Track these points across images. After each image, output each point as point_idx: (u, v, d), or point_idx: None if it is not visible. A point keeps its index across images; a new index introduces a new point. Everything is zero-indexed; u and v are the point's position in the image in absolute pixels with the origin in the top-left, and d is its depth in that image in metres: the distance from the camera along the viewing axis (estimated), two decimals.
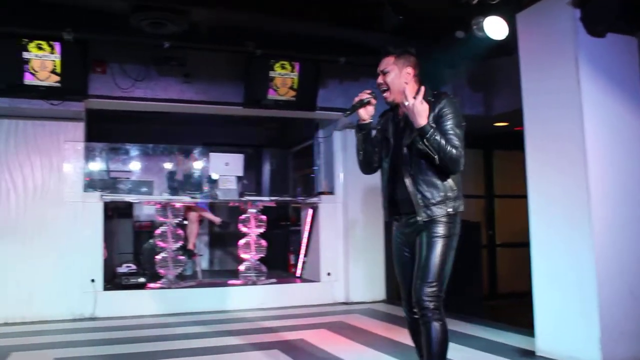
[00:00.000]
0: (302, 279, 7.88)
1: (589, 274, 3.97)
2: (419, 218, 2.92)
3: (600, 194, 4.04)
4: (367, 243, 7.22)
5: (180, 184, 7.88)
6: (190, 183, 7.99)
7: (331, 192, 7.67)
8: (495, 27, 4.99)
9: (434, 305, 2.82)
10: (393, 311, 6.32)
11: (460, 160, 2.88)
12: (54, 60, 5.87)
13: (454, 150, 2.85)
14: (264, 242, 7.33)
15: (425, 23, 5.66)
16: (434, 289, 2.83)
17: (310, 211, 7.85)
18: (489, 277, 8.63)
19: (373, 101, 3.11)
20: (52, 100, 6.14)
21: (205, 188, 7.89)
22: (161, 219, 7.05)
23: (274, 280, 7.33)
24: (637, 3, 4.16)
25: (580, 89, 4.08)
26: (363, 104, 3.10)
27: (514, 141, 6.02)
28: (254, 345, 4.86)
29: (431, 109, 2.91)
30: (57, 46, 5.84)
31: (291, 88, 6.75)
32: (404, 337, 3.09)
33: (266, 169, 10.58)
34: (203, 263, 9.46)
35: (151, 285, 6.77)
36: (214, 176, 7.44)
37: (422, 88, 2.95)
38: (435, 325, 2.81)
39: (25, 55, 5.78)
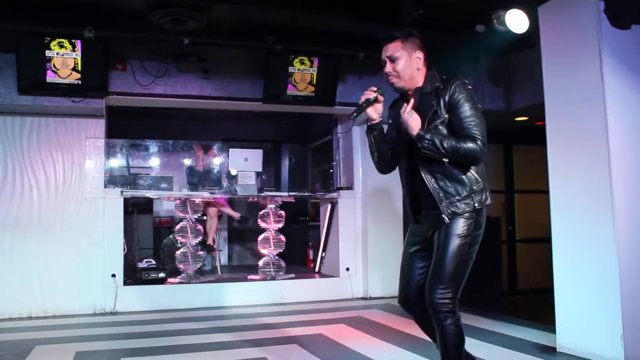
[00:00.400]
0: (321, 274, 7.88)
1: (611, 270, 3.92)
2: (443, 216, 2.74)
3: (624, 189, 3.98)
4: (385, 238, 7.20)
5: (199, 179, 7.92)
6: (209, 178, 8.04)
7: (350, 188, 7.67)
8: (516, 21, 4.94)
9: (447, 308, 2.68)
10: None
11: (477, 154, 2.69)
12: (75, 58, 5.93)
13: (466, 145, 2.67)
14: (282, 238, 7.35)
15: (445, 17, 5.60)
16: (447, 292, 2.68)
17: (329, 206, 7.85)
18: (509, 273, 8.56)
19: (380, 98, 2.92)
20: (74, 98, 6.20)
21: (225, 183, 7.92)
22: (181, 215, 7.09)
23: (292, 275, 7.35)
24: None
25: (604, 83, 4.01)
26: (370, 103, 2.90)
27: (535, 136, 5.96)
28: (273, 340, 4.88)
29: (441, 95, 2.78)
30: (79, 44, 5.90)
31: (310, 83, 6.75)
32: (423, 332, 3.07)
33: (285, 164, 10.59)
34: (222, 258, 9.50)
35: (171, 280, 6.82)
36: (233, 172, 7.47)
37: (412, 101, 2.81)
38: (450, 327, 2.68)
39: (48, 53, 5.85)
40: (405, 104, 2.84)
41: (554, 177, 4.47)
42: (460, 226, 2.75)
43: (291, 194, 7.68)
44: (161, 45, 6.38)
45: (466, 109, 2.74)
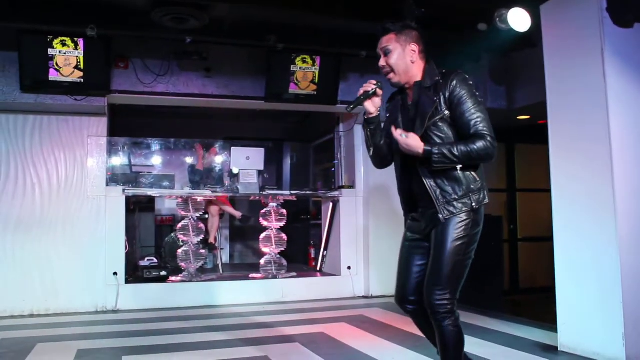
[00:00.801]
0: (323, 273, 7.88)
1: (612, 269, 3.92)
2: (440, 216, 2.69)
3: (625, 189, 3.98)
4: (387, 237, 7.17)
5: (201, 178, 7.92)
6: (211, 177, 8.04)
7: (352, 186, 7.67)
8: (518, 19, 4.94)
9: (445, 309, 2.64)
10: None
11: (489, 151, 2.63)
12: (77, 57, 5.94)
13: (476, 145, 2.61)
14: (284, 236, 7.34)
15: (447, 15, 5.60)
16: (445, 293, 2.64)
17: (330, 205, 7.85)
18: (510, 272, 8.56)
19: (379, 92, 2.86)
20: (76, 96, 6.21)
21: (227, 182, 7.92)
22: (182, 213, 7.09)
23: (294, 274, 7.35)
24: None
25: (606, 82, 4.00)
26: (368, 96, 2.85)
27: (537, 134, 5.96)
28: (274, 339, 4.89)
29: (441, 90, 2.71)
30: (81, 42, 5.91)
31: (312, 82, 6.76)
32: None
33: (287, 163, 10.59)
34: (224, 257, 9.51)
35: (172, 278, 6.83)
36: (235, 170, 7.47)
37: (399, 131, 2.71)
38: (449, 328, 2.66)
39: (50, 51, 5.86)
40: (396, 129, 2.76)
41: (555, 177, 4.47)
42: (457, 226, 2.69)
43: (293, 192, 7.68)
44: (163, 44, 6.39)
45: (469, 106, 2.67)
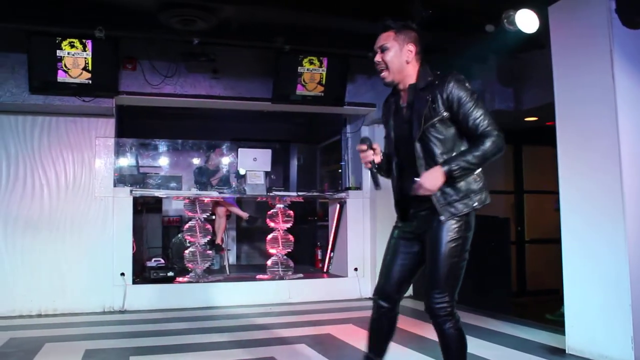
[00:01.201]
0: (329, 274, 7.88)
1: (621, 271, 3.90)
2: (441, 217, 2.66)
3: (635, 191, 3.96)
4: None
5: (208, 178, 7.94)
6: (218, 178, 8.06)
7: (359, 188, 7.66)
8: (526, 20, 4.91)
9: (445, 312, 2.65)
10: (420, 307, 6.25)
11: (498, 145, 2.63)
12: (85, 58, 5.97)
13: (486, 147, 2.60)
14: (291, 237, 7.35)
15: (454, 16, 5.59)
16: (444, 296, 2.64)
17: (337, 206, 7.85)
18: (518, 274, 8.52)
19: (375, 145, 2.84)
20: (84, 97, 6.24)
21: (234, 183, 7.94)
22: (189, 214, 7.11)
23: (301, 275, 7.36)
24: None
25: (615, 84, 3.99)
26: (374, 171, 2.85)
27: (544, 136, 5.93)
28: (281, 340, 4.89)
29: (437, 91, 2.68)
30: (89, 44, 5.94)
31: (319, 83, 6.77)
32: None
33: (294, 164, 10.59)
34: (231, 258, 9.52)
35: (179, 279, 6.85)
36: (242, 171, 7.48)
37: (415, 187, 2.66)
38: (450, 331, 2.67)
39: (59, 53, 5.90)
40: (391, 139, 2.81)
41: (564, 178, 4.45)
42: (451, 229, 2.68)
43: (300, 193, 7.69)
44: (171, 45, 6.41)
45: (470, 107, 2.65)
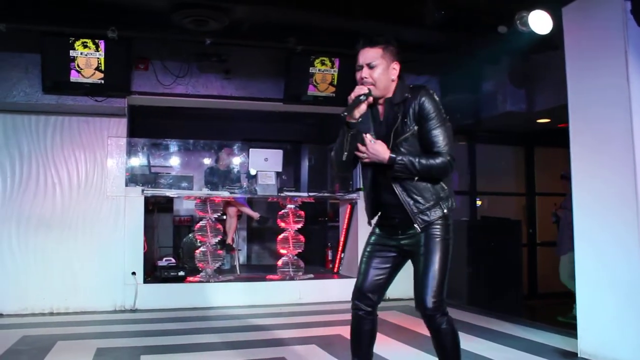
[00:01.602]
0: (340, 275, 7.87)
1: (635, 275, 3.86)
2: (415, 225, 2.78)
3: None
4: None
5: (219, 178, 7.95)
6: (229, 178, 8.07)
7: None
8: (539, 21, 4.88)
9: (439, 312, 2.75)
10: None
11: (445, 168, 2.73)
12: (98, 58, 6.00)
13: (435, 161, 2.70)
14: (302, 238, 7.35)
15: (466, 17, 5.57)
16: (439, 297, 2.73)
17: (348, 207, 7.84)
18: (529, 277, 8.48)
19: (370, 99, 2.81)
20: (96, 97, 6.28)
21: (245, 183, 7.95)
22: (200, 214, 7.13)
23: (311, 275, 7.35)
24: None
25: (630, 85, 3.94)
26: (360, 101, 2.78)
27: (556, 138, 5.89)
28: (292, 340, 4.89)
29: (409, 105, 2.75)
30: (102, 44, 5.97)
31: (331, 84, 6.77)
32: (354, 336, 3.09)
33: (305, 164, 10.58)
34: (241, 258, 9.52)
35: (190, 278, 6.86)
36: (253, 171, 7.49)
37: (368, 136, 2.78)
38: (447, 329, 2.77)
39: (72, 53, 5.93)
40: (366, 136, 2.81)
41: (577, 180, 4.42)
42: (438, 233, 2.80)
43: (311, 194, 7.68)
44: (183, 46, 6.44)
45: (435, 123, 2.74)
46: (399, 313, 6.12)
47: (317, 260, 8.88)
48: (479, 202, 8.25)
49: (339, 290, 7.18)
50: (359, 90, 2.80)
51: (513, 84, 6.94)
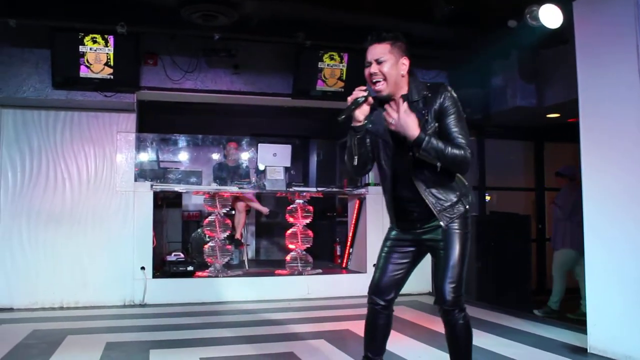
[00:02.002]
0: (348, 270, 7.87)
1: None
2: (441, 223, 2.79)
3: None
4: None
5: (228, 174, 7.96)
6: (238, 173, 8.08)
7: (378, 184, 7.61)
8: (550, 16, 4.86)
9: (459, 307, 2.79)
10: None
11: (466, 161, 2.68)
12: (107, 53, 6.02)
13: (459, 152, 2.65)
14: (310, 233, 7.36)
15: (476, 12, 5.54)
16: (459, 291, 2.76)
17: (356, 202, 7.83)
18: (538, 272, 8.45)
19: (370, 100, 2.79)
20: (106, 92, 6.30)
21: (253, 178, 7.95)
22: (209, 209, 7.14)
23: (320, 270, 7.36)
24: None
25: None
26: (359, 103, 2.76)
27: (566, 133, 5.86)
28: (300, 335, 4.90)
29: (430, 104, 2.74)
30: (111, 39, 5.99)
31: (340, 79, 6.76)
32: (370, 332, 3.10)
33: (313, 159, 10.59)
34: (250, 253, 9.55)
35: (199, 273, 6.88)
36: (262, 166, 7.50)
37: (403, 102, 2.70)
38: (463, 324, 2.80)
39: (81, 48, 5.96)
40: (393, 104, 2.73)
41: (587, 176, 4.38)
42: (457, 227, 2.81)
43: (319, 189, 7.67)
44: (192, 41, 6.44)
45: (454, 119, 2.73)
46: (407, 308, 6.11)
47: (325, 255, 8.90)
48: (488, 197, 8.23)
49: (347, 285, 7.20)
50: (357, 93, 2.78)
51: (523, 78, 6.90)
